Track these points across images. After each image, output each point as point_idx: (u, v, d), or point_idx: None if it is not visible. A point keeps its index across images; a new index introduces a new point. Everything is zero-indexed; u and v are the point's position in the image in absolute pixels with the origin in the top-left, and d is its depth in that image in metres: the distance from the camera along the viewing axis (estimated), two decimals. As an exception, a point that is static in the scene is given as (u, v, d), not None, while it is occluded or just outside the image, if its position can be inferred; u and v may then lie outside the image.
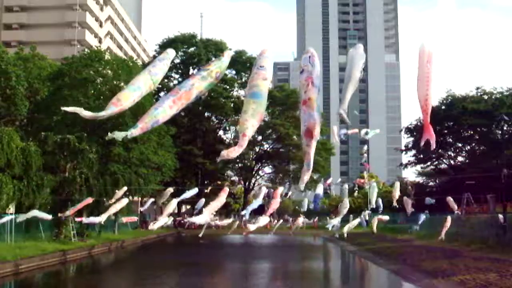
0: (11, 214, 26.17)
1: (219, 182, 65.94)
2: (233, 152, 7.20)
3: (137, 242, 42.67)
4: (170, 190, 27.67)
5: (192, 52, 68.47)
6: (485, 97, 56.38)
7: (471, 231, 32.49)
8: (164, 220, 18.71)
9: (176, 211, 56.33)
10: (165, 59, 7.75)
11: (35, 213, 24.30)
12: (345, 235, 27.06)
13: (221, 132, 74.16)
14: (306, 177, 7.45)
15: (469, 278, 17.20)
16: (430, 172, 66.41)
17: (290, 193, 47.59)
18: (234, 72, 70.64)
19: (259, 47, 8.54)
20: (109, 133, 6.83)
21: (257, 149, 72.36)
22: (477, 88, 58.10)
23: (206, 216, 14.06)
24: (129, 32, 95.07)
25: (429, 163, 64.83)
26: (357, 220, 27.30)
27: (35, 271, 22.81)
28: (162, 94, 65.71)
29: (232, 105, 66.95)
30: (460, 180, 44.46)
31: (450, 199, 29.45)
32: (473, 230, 32.50)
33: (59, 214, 29.16)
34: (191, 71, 67.43)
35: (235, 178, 76.80)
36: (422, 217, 34.80)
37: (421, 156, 63.05)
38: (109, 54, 50.83)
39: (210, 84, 7.70)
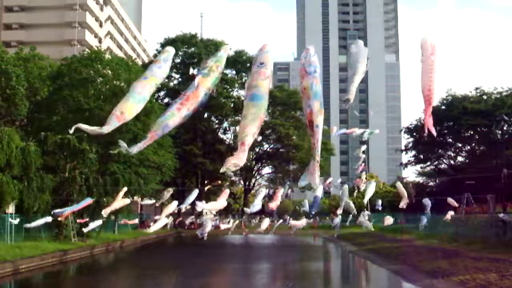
0: (10, 214, 26.18)
1: (219, 182, 65.95)
2: (233, 164, 6.89)
3: (137, 242, 42.67)
4: (170, 191, 27.71)
5: (192, 52, 68.46)
6: (484, 97, 56.46)
7: (471, 231, 32.49)
8: (162, 222, 18.71)
9: (176, 211, 56.28)
10: (168, 60, 7.76)
11: (39, 222, 24.39)
12: (335, 235, 27.10)
13: (221, 132, 74.19)
14: (316, 172, 7.15)
15: (469, 278, 17.20)
16: (430, 172, 66.44)
17: (289, 192, 47.58)
18: (234, 72, 70.65)
19: (259, 47, 8.28)
20: (121, 144, 6.74)
21: (257, 149, 72.36)
22: (476, 89, 58.20)
23: (208, 217, 13.92)
24: (129, 32, 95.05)
25: (429, 163, 64.87)
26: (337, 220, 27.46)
27: (35, 271, 22.81)
28: (162, 93, 65.81)
29: (232, 105, 66.95)
30: (460, 180, 44.49)
31: (451, 200, 29.47)
32: (473, 230, 32.50)
33: (56, 211, 29.04)
34: (191, 71, 67.44)
35: (235, 178, 76.82)
36: (424, 218, 34.79)
37: (421, 156, 63.13)
38: (109, 54, 50.81)
39: (215, 78, 7.64)
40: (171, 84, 67.31)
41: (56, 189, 31.24)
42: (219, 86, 65.41)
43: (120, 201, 23.24)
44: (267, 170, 77.91)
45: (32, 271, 22.56)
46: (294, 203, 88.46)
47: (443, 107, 59.31)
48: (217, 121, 72.63)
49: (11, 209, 26.58)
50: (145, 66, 52.90)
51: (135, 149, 6.61)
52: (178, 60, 67.65)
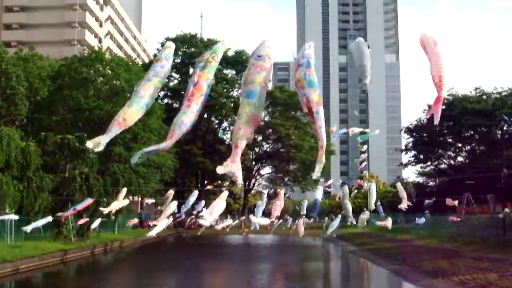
0: (10, 214, 26.16)
1: (219, 182, 65.94)
2: (228, 168, 6.72)
3: (136, 242, 42.66)
4: (172, 192, 27.69)
5: (192, 52, 68.45)
6: (484, 97, 56.48)
7: (471, 231, 32.49)
8: (163, 224, 18.69)
9: (176, 210, 56.22)
10: (170, 57, 7.74)
11: (39, 223, 24.38)
12: (330, 234, 27.02)
13: (221, 132, 74.11)
14: (322, 159, 6.87)
15: (469, 278, 17.20)
16: (430, 172, 66.42)
17: (288, 194, 47.49)
18: (234, 72, 70.63)
19: (259, 42, 8.09)
20: (137, 154, 6.69)
21: (257, 149, 72.33)
22: (476, 89, 58.22)
23: (209, 220, 13.74)
24: (129, 32, 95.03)
25: (429, 163, 64.86)
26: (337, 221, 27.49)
27: (35, 271, 22.80)
28: (161, 93, 65.76)
29: (232, 105, 66.92)
30: (460, 180, 44.46)
31: (450, 200, 29.44)
32: (473, 230, 32.50)
33: (58, 214, 29.13)
34: (191, 71, 67.39)
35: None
36: (422, 218, 34.84)
37: (421, 156, 63.14)
38: (109, 54, 50.83)
39: (212, 67, 7.50)
40: (171, 84, 67.31)
41: (56, 189, 31.23)
42: (219, 86, 65.45)
43: (119, 202, 23.24)
44: (267, 170, 77.88)
45: (32, 271, 22.55)
46: (294, 203, 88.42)
47: (443, 107, 59.20)
48: (217, 121, 72.61)
49: (7, 209, 26.54)
50: (145, 66, 53.01)
51: (154, 151, 6.56)
52: (178, 60, 67.65)
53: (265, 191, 28.02)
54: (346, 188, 25.82)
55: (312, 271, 26.14)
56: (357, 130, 29.53)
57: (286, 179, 74.46)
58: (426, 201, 38.42)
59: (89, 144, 6.82)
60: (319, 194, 24.08)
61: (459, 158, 63.04)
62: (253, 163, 72.51)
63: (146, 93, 7.22)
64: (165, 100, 64.63)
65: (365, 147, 34.52)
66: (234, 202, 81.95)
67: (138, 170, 42.62)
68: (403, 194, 26.22)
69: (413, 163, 65.04)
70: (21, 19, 76.00)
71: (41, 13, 74.87)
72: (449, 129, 59.12)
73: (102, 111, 41.67)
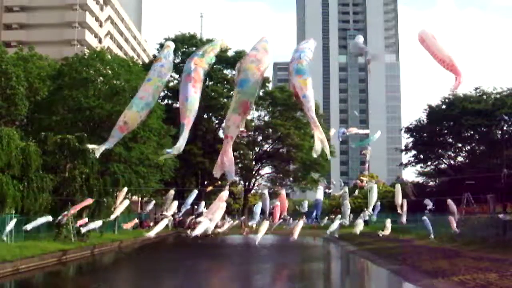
0: (10, 214, 26.16)
1: (219, 182, 65.99)
2: (223, 168, 6.68)
3: (136, 242, 42.67)
4: (172, 192, 27.69)
5: (192, 52, 68.41)
6: (484, 97, 56.49)
7: (471, 231, 32.50)
8: (163, 223, 18.70)
9: (176, 210, 56.21)
10: (170, 55, 7.72)
11: (39, 221, 24.39)
12: (332, 233, 26.94)
13: (221, 132, 74.12)
14: (321, 137, 6.52)
15: (469, 278, 17.21)
16: (430, 172, 66.42)
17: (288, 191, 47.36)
18: (234, 72, 70.54)
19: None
20: (166, 150, 6.65)
21: (257, 149, 72.33)
22: (476, 89, 58.25)
23: (211, 224, 13.46)
24: (129, 32, 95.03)
25: (429, 163, 64.86)
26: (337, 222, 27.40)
27: (35, 271, 22.81)
28: (162, 94, 65.75)
29: (232, 105, 66.95)
30: (460, 180, 44.48)
31: (450, 202, 29.34)
32: (473, 230, 32.51)
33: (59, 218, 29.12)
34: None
35: (235, 178, 76.66)
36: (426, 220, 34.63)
37: (421, 156, 63.14)
38: (109, 54, 50.88)
39: (210, 58, 7.46)
40: (171, 84, 67.32)
41: (56, 189, 31.22)
42: (219, 86, 65.46)
43: (121, 205, 23.28)
44: (267, 170, 77.86)
45: (32, 271, 22.56)
46: (295, 203, 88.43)
47: (443, 107, 59.34)
48: (217, 121, 72.61)
49: (7, 210, 26.54)
50: (145, 66, 53.02)
51: (182, 141, 6.48)
52: (178, 60, 67.64)
53: (266, 191, 27.93)
54: (346, 189, 25.74)
55: (312, 271, 26.13)
56: (358, 131, 29.31)
57: (286, 179, 74.44)
58: (426, 203, 38.29)
59: (92, 148, 6.82)
60: (320, 194, 23.99)
61: (459, 158, 63.05)
62: (253, 163, 72.51)
63: (145, 93, 7.19)
64: (165, 101, 64.60)
65: (369, 148, 34.40)
66: (234, 202, 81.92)
67: (138, 170, 42.60)
68: (398, 200, 25.70)
69: (413, 163, 65.05)
70: (21, 19, 76.01)
71: (41, 13, 74.88)
72: (449, 129, 59.13)
73: (103, 110, 41.68)
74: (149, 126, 43.79)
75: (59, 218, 27.37)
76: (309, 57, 7.22)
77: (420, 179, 70.09)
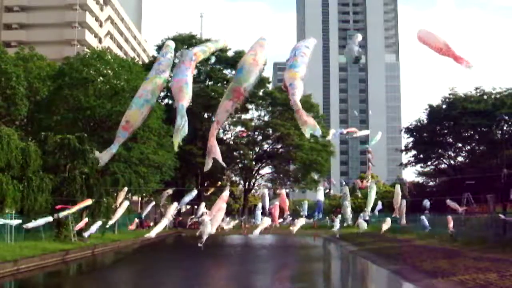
0: (10, 214, 26.16)
1: (220, 183, 65.94)
2: (211, 156, 6.87)
3: (136, 242, 42.66)
4: (169, 191, 27.74)
5: (192, 52, 68.46)
6: (485, 97, 56.52)
7: (471, 231, 32.49)
8: (163, 224, 18.69)
9: (176, 210, 56.27)
10: (168, 53, 7.76)
11: (39, 222, 24.40)
12: (337, 235, 26.96)
13: (220, 132, 74.07)
14: (304, 119, 6.69)
15: (469, 278, 17.21)
16: (430, 172, 66.42)
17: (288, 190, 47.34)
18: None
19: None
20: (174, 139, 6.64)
21: (257, 149, 72.33)
22: (476, 89, 58.28)
23: (214, 227, 13.47)
24: (129, 32, 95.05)
25: (429, 163, 64.87)
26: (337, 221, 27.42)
27: (35, 271, 22.81)
28: (162, 94, 65.74)
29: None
30: (460, 180, 44.48)
31: (452, 202, 29.37)
32: (473, 230, 32.50)
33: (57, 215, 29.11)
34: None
35: (235, 179, 76.75)
36: (425, 220, 34.68)
37: (421, 156, 63.15)
38: (109, 54, 50.90)
39: (207, 52, 7.69)
40: (171, 84, 67.30)
41: (56, 189, 31.22)
42: (219, 86, 65.45)
43: (121, 208, 23.29)
44: (267, 170, 77.89)
45: (32, 271, 22.56)
46: (294, 203, 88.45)
47: (443, 107, 59.37)
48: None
49: (7, 210, 26.53)
50: (145, 66, 53.02)
51: (183, 121, 6.53)
52: (177, 61, 67.64)
53: (266, 191, 27.94)
54: (346, 189, 25.77)
55: (312, 271, 26.13)
56: (358, 133, 29.27)
57: (286, 179, 74.45)
58: (425, 204, 38.29)
59: (99, 155, 6.84)
60: (320, 195, 23.98)
61: (459, 158, 63.08)
62: (253, 163, 72.54)
63: (144, 91, 7.24)
64: (165, 100, 64.59)
65: (370, 150, 34.43)
66: (234, 202, 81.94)
67: (138, 170, 42.59)
68: (396, 202, 25.56)
69: (413, 163, 65.07)
70: (21, 19, 76.04)
71: (41, 13, 74.92)
72: (449, 129, 59.14)
73: (103, 110, 41.69)
74: (149, 126, 43.81)
75: (59, 214, 27.35)
76: (304, 52, 7.37)
77: (420, 179, 70.17)
